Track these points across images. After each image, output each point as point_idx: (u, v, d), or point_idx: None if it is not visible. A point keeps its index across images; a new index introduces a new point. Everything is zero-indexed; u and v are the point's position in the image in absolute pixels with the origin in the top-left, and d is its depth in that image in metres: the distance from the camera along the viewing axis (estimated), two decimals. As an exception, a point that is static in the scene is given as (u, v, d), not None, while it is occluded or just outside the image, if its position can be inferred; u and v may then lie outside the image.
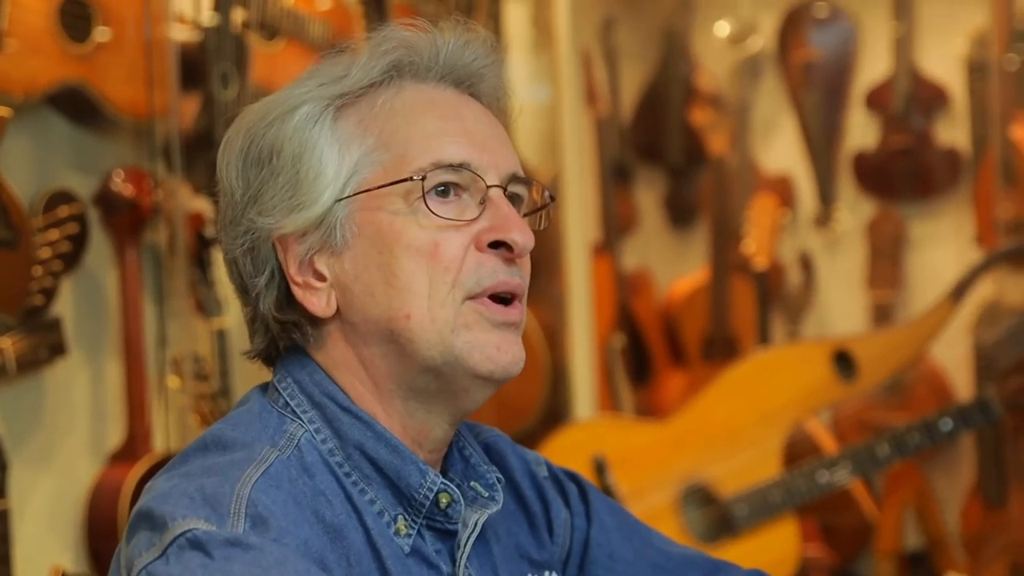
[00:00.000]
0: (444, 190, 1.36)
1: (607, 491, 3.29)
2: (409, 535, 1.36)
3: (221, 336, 2.99)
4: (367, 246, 1.36)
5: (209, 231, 2.99)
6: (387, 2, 3.29)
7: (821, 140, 5.12)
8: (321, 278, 1.37)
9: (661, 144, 5.38)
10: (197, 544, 1.20)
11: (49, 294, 2.76)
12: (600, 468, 3.42)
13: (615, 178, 5.17)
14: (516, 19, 4.60)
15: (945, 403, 4.48)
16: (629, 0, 5.46)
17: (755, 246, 4.58)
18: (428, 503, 1.36)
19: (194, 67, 2.95)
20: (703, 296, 5.04)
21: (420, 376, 1.36)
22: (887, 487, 4.25)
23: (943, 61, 4.89)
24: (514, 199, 1.41)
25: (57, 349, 2.78)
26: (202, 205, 3.05)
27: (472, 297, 1.35)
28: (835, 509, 4.19)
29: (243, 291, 1.42)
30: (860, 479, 3.94)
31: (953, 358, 4.63)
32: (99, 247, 2.96)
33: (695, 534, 3.47)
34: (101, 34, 2.82)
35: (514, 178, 1.41)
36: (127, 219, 2.95)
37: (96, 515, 2.91)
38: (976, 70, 4.69)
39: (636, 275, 5.29)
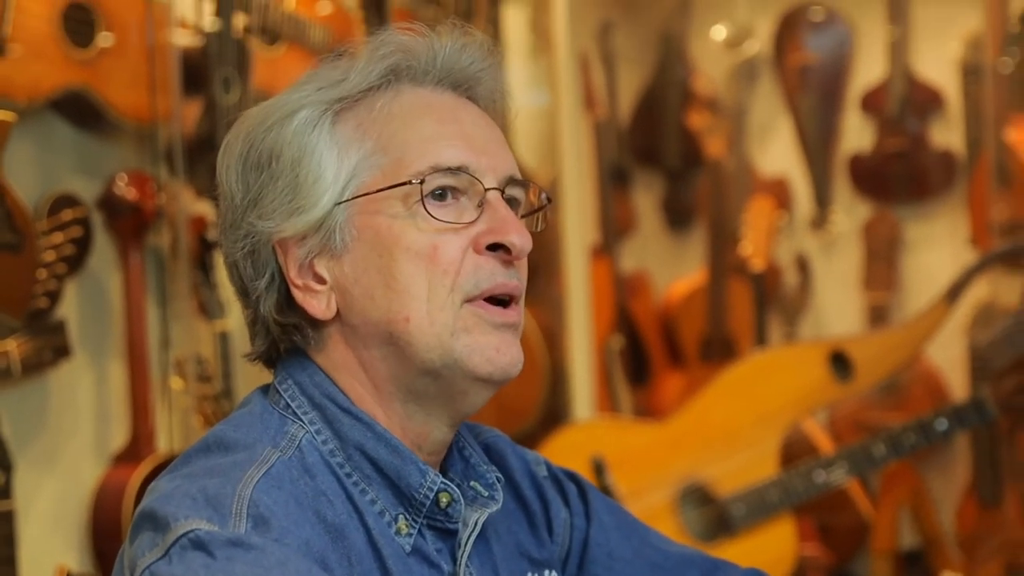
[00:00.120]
0: (442, 193, 1.37)
1: (606, 491, 3.30)
2: (410, 535, 1.36)
3: (223, 338, 2.99)
4: (366, 249, 1.36)
5: (211, 234, 2.99)
6: (387, 7, 3.30)
7: (817, 143, 5.12)
8: (321, 281, 1.38)
9: (659, 147, 5.38)
10: (199, 544, 1.21)
11: (53, 297, 2.76)
12: (599, 468, 3.43)
13: (613, 181, 5.18)
14: (515, 23, 4.60)
15: (940, 403, 4.48)
16: (627, 4, 5.47)
17: (752, 248, 4.58)
18: (428, 502, 1.37)
19: (196, 72, 2.95)
20: (701, 298, 5.03)
21: (419, 379, 1.37)
22: (883, 487, 4.24)
23: (938, 64, 4.88)
24: (512, 202, 1.42)
25: (61, 351, 2.79)
26: (205, 208, 3.05)
27: (470, 300, 1.36)
28: (832, 509, 4.18)
29: (244, 294, 1.43)
30: (856, 479, 3.94)
31: (948, 359, 4.62)
32: (103, 250, 2.97)
33: (693, 534, 3.47)
34: (104, 39, 2.83)
35: (511, 180, 1.41)
36: (130, 222, 2.96)
37: (100, 516, 2.92)
38: (971, 73, 4.69)
39: (634, 277, 5.29)
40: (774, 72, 5.21)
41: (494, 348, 1.37)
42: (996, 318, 4.34)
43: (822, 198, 5.13)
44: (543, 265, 4.20)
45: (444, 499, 1.38)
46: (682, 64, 5.33)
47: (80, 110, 2.86)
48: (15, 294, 2.65)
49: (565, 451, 3.43)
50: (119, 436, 3.02)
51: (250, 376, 1.47)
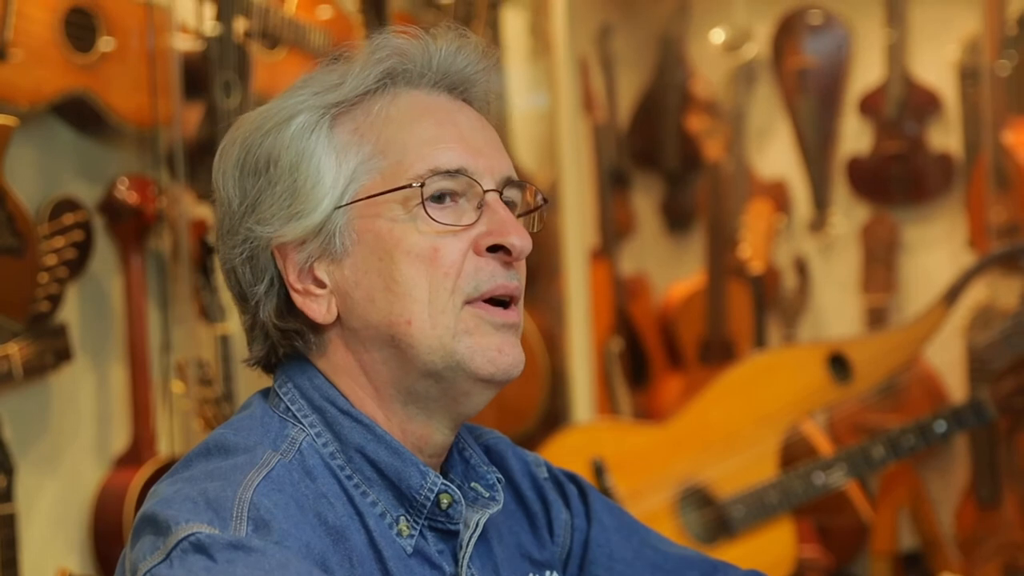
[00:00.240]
0: (441, 196, 1.37)
1: (605, 493, 3.29)
2: (411, 536, 1.37)
3: (224, 341, 2.99)
4: (367, 252, 1.37)
5: (212, 238, 3.00)
6: (387, 11, 3.31)
7: (815, 146, 5.12)
8: (321, 285, 1.38)
9: (658, 150, 5.38)
10: (200, 548, 1.22)
11: (55, 300, 2.77)
12: (599, 470, 3.43)
13: (612, 184, 5.18)
14: (514, 27, 4.61)
15: (939, 405, 4.47)
16: (626, 8, 5.47)
17: (751, 251, 4.58)
18: (429, 504, 1.37)
19: (197, 76, 2.95)
20: (700, 300, 5.04)
21: (420, 381, 1.37)
22: (882, 488, 4.25)
23: (936, 67, 4.88)
24: (509, 203, 1.42)
25: (63, 355, 2.79)
26: (205, 212, 3.05)
27: (470, 301, 1.36)
28: (831, 510, 4.18)
29: (242, 299, 1.43)
30: (855, 480, 3.94)
31: (947, 361, 4.62)
32: (104, 254, 2.98)
33: (693, 535, 3.48)
34: (105, 44, 2.83)
35: (509, 182, 1.42)
36: (131, 226, 2.96)
37: (102, 518, 2.92)
38: (968, 76, 4.69)
39: (634, 280, 5.30)
40: (772, 75, 5.21)
41: (496, 349, 1.37)
42: (994, 320, 4.33)
43: (821, 201, 5.13)
44: (543, 267, 4.21)
45: (445, 500, 1.38)
46: (681, 67, 5.33)
47: (81, 114, 2.86)
48: (17, 298, 2.65)
49: (565, 453, 3.43)
50: (120, 439, 3.02)
51: (251, 379, 1.47)
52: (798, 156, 5.17)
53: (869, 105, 5.01)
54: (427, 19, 3.72)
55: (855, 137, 5.09)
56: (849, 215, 5.12)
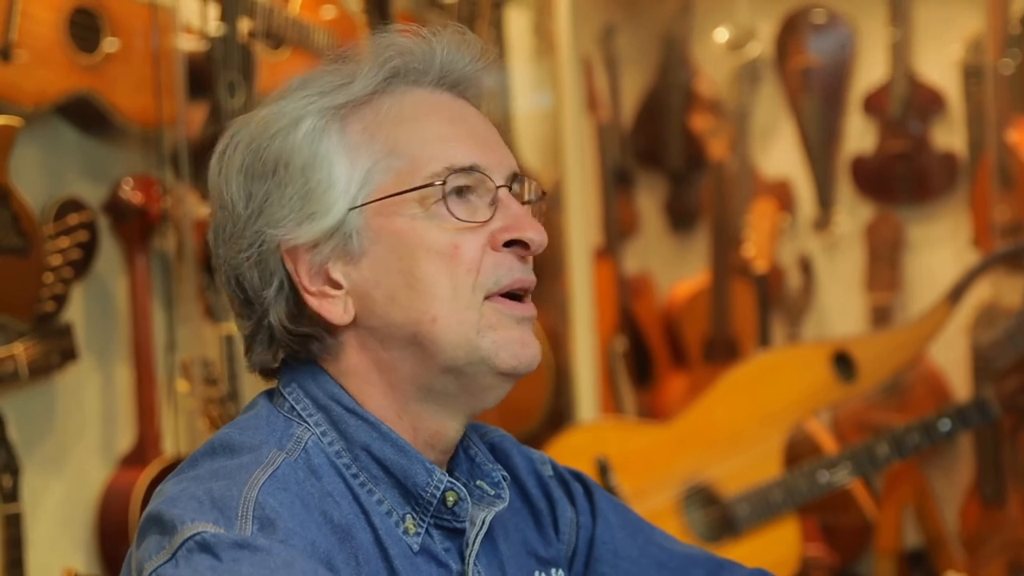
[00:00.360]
0: (458, 193, 1.38)
1: (610, 492, 3.30)
2: (418, 534, 1.37)
3: (230, 341, 3.00)
4: (386, 252, 1.36)
5: (210, 242, 3.00)
6: (390, 10, 3.32)
7: (819, 145, 5.13)
8: (337, 286, 1.37)
9: (662, 149, 5.39)
10: (206, 547, 1.21)
11: (60, 300, 2.77)
12: (603, 469, 3.44)
13: (616, 183, 5.19)
14: (518, 27, 4.61)
15: (943, 404, 4.48)
16: (629, 7, 5.48)
17: (755, 249, 4.59)
18: (435, 501, 1.37)
19: (201, 76, 2.96)
20: (704, 299, 5.04)
21: (440, 377, 1.37)
22: (886, 487, 4.26)
23: (939, 66, 4.89)
24: (516, 198, 1.43)
25: (68, 354, 2.80)
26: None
27: (490, 296, 1.37)
28: (835, 509, 4.18)
29: (246, 304, 1.41)
30: (860, 479, 3.94)
31: (951, 359, 4.62)
32: (109, 254, 2.99)
33: (697, 534, 3.48)
34: (109, 44, 2.84)
35: (515, 176, 1.42)
36: (136, 226, 2.97)
37: (107, 518, 2.93)
38: (972, 75, 4.69)
39: (637, 279, 5.30)
40: (776, 74, 5.22)
41: (519, 342, 1.38)
42: (998, 318, 4.34)
43: (825, 200, 5.14)
44: (547, 267, 4.21)
45: (451, 498, 1.38)
46: (685, 66, 5.34)
47: (86, 115, 2.87)
48: (22, 298, 2.66)
49: (569, 452, 3.43)
50: (126, 439, 3.03)
51: (256, 379, 1.47)
52: (802, 155, 5.18)
53: (873, 104, 5.01)
54: (431, 19, 3.72)
55: (859, 136, 5.09)
56: (853, 214, 5.12)
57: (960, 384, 4.64)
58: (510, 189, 1.41)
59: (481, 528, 1.41)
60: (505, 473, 1.47)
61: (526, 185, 1.45)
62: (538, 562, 1.53)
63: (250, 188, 1.38)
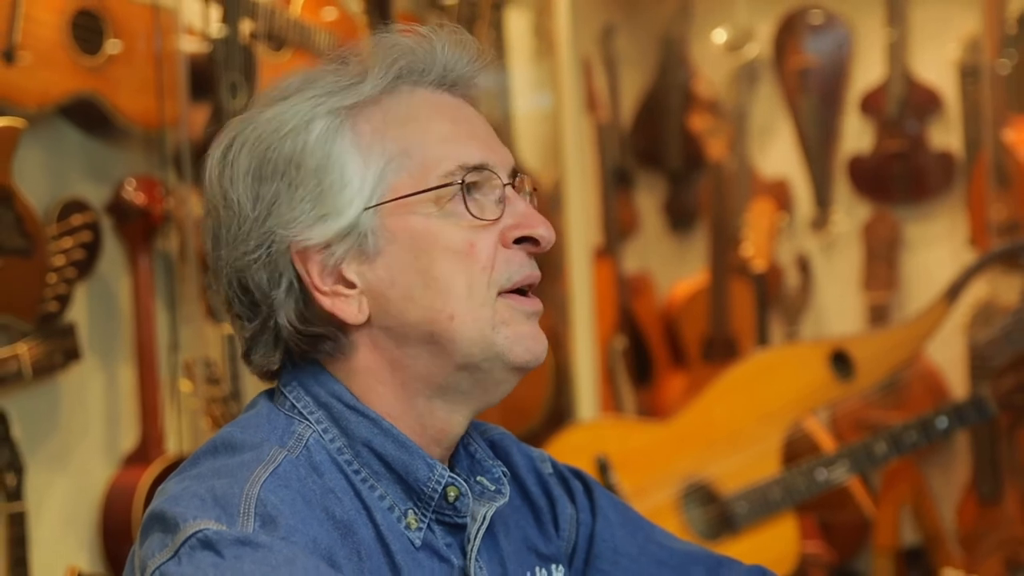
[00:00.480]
0: (471, 191, 1.39)
1: (610, 490, 3.30)
2: (420, 529, 1.37)
3: (232, 340, 3.00)
4: (402, 251, 1.37)
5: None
6: (391, 12, 3.33)
7: (817, 144, 5.13)
8: (350, 286, 1.37)
9: (661, 149, 5.39)
10: (208, 544, 1.22)
11: (64, 301, 2.79)
12: (603, 468, 3.44)
13: (616, 183, 5.19)
14: (517, 28, 4.62)
15: (941, 402, 4.48)
16: (628, 8, 5.48)
17: (753, 249, 4.60)
18: (437, 496, 1.38)
19: (203, 77, 2.97)
20: (703, 298, 5.04)
21: (454, 373, 1.38)
22: (884, 484, 4.26)
23: (936, 66, 4.89)
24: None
25: (72, 354, 2.81)
26: (212, 212, 3.07)
27: (502, 293, 1.38)
28: (833, 507, 4.18)
29: (251, 306, 1.40)
30: (858, 477, 3.95)
31: (948, 357, 4.62)
32: (112, 254, 3.00)
33: (696, 532, 3.48)
34: (112, 46, 2.85)
35: (515, 172, 1.43)
36: (139, 227, 2.98)
37: (111, 516, 2.94)
38: (969, 74, 4.69)
39: (637, 278, 5.31)
40: (774, 74, 5.22)
41: (532, 337, 1.39)
42: (995, 317, 4.34)
43: (822, 199, 5.14)
44: (547, 266, 4.19)
45: (452, 493, 1.39)
46: (683, 67, 5.34)
47: (89, 116, 2.88)
48: (26, 298, 2.67)
49: (569, 451, 3.43)
50: (129, 438, 3.04)
51: (257, 378, 1.48)
52: (800, 155, 5.18)
53: (870, 104, 5.02)
54: (431, 20, 3.73)
55: (856, 136, 5.09)
56: (851, 213, 5.13)
57: (957, 382, 4.64)
58: (512, 186, 1.43)
59: (482, 524, 1.41)
60: (505, 469, 1.48)
61: (524, 180, 1.46)
62: (538, 558, 1.53)
63: (258, 189, 1.37)
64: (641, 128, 5.44)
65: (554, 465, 1.63)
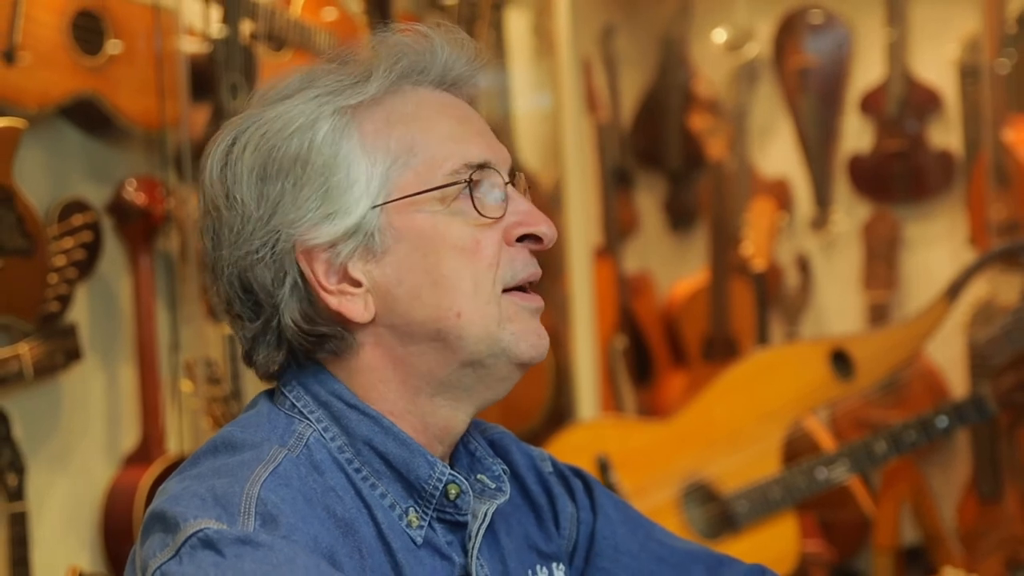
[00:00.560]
0: (474, 189, 1.39)
1: (610, 489, 3.30)
2: (421, 527, 1.37)
3: (232, 340, 3.00)
4: (410, 249, 1.37)
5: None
6: (392, 12, 3.33)
7: (817, 144, 5.14)
8: (356, 284, 1.37)
9: (661, 149, 5.40)
10: (209, 543, 1.22)
11: (64, 301, 2.79)
12: (603, 467, 3.45)
13: (616, 183, 5.20)
14: (517, 28, 4.63)
15: (941, 401, 4.48)
16: (628, 8, 5.49)
17: (753, 248, 4.60)
18: (438, 494, 1.38)
19: (204, 78, 2.97)
20: (703, 298, 5.05)
21: (459, 371, 1.39)
22: (884, 483, 4.25)
23: (936, 65, 4.90)
24: None
25: (73, 354, 2.81)
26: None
27: (506, 290, 1.39)
28: (834, 505, 4.18)
29: (253, 306, 1.40)
30: (858, 476, 3.94)
31: (948, 357, 4.62)
32: (113, 254, 3.00)
33: (697, 531, 3.48)
34: (113, 47, 2.85)
35: (513, 171, 1.44)
36: (140, 227, 2.98)
37: (112, 516, 2.94)
38: (968, 74, 4.70)
39: (637, 278, 5.31)
40: (774, 74, 5.23)
41: (535, 333, 1.40)
42: (995, 316, 4.34)
43: (822, 198, 5.15)
44: (547, 266, 4.19)
45: (453, 491, 1.39)
46: (683, 67, 5.35)
47: (89, 116, 2.88)
48: (27, 298, 2.67)
49: (570, 450, 3.43)
50: (130, 438, 3.04)
51: (257, 377, 1.47)
52: (800, 154, 5.19)
53: (870, 103, 5.02)
54: (431, 20, 3.73)
55: (856, 135, 5.10)
56: (850, 213, 5.13)
57: (957, 381, 4.64)
58: (512, 184, 1.43)
59: (483, 521, 1.42)
60: (505, 467, 1.48)
61: (520, 179, 1.47)
62: (539, 556, 1.54)
63: (263, 188, 1.37)
64: (641, 128, 5.44)
65: (554, 464, 1.64)
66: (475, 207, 1.38)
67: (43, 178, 2.86)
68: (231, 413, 2.91)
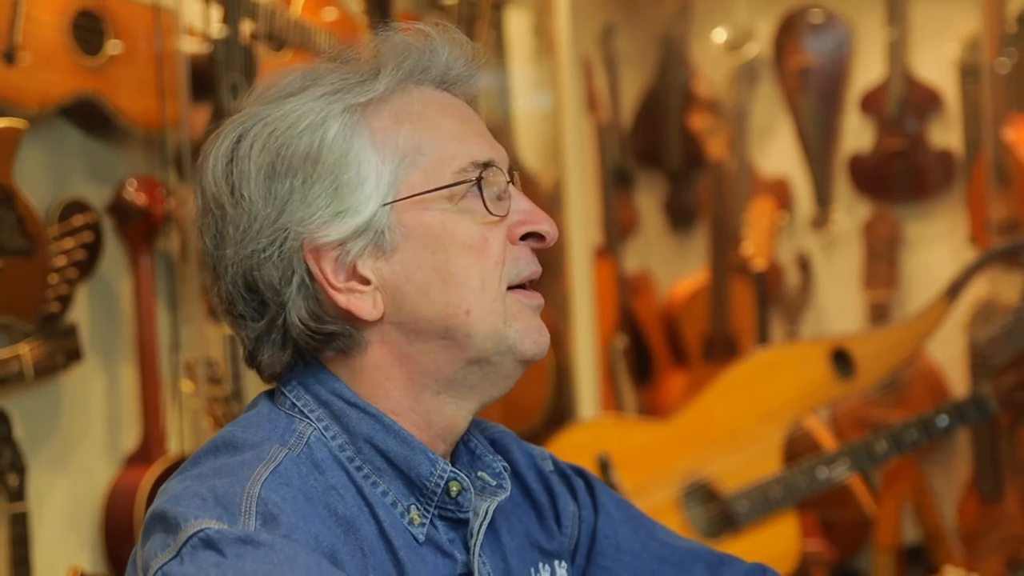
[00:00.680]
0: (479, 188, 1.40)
1: (611, 489, 3.31)
2: (423, 524, 1.38)
3: (233, 340, 3.00)
4: (419, 247, 1.37)
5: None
6: (392, 12, 3.33)
7: (817, 143, 5.14)
8: (365, 282, 1.37)
9: (661, 149, 5.40)
10: (210, 543, 1.22)
11: (65, 301, 2.79)
12: (604, 467, 3.45)
13: (616, 183, 5.20)
14: (518, 28, 4.63)
15: (941, 400, 4.48)
16: (628, 8, 5.49)
17: (754, 248, 4.60)
18: (439, 491, 1.38)
19: (204, 78, 2.96)
20: (703, 297, 5.05)
21: (465, 368, 1.39)
22: (885, 483, 4.25)
23: (936, 65, 4.90)
24: None
25: (73, 355, 2.81)
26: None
27: (511, 287, 1.40)
28: (834, 505, 4.18)
29: (259, 306, 1.39)
30: (859, 475, 3.95)
31: (949, 356, 4.63)
32: (113, 255, 3.00)
33: (698, 530, 3.48)
34: (113, 47, 2.85)
35: (511, 170, 1.45)
36: (140, 227, 2.98)
37: (113, 516, 2.94)
38: (968, 73, 4.70)
39: (637, 277, 5.32)
40: (774, 74, 5.23)
41: (538, 330, 1.42)
42: (996, 315, 4.35)
43: (823, 198, 5.15)
44: (547, 266, 4.19)
45: (454, 488, 1.39)
46: (683, 67, 5.35)
47: (90, 117, 2.88)
48: (27, 299, 2.67)
49: (570, 450, 3.43)
50: (130, 438, 3.04)
51: (259, 378, 1.47)
52: (800, 154, 5.19)
53: (870, 103, 5.02)
54: (431, 20, 3.73)
55: (856, 135, 5.10)
56: (851, 212, 5.14)
57: (958, 381, 4.65)
58: (511, 182, 1.44)
59: (484, 518, 1.42)
60: (505, 464, 1.49)
61: (516, 177, 1.47)
62: (541, 554, 1.54)
63: (271, 186, 1.37)
64: (641, 128, 5.45)
65: (555, 462, 1.64)
66: (485, 205, 1.39)
67: (43, 178, 2.86)
68: (232, 413, 2.91)
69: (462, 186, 1.39)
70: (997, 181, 4.40)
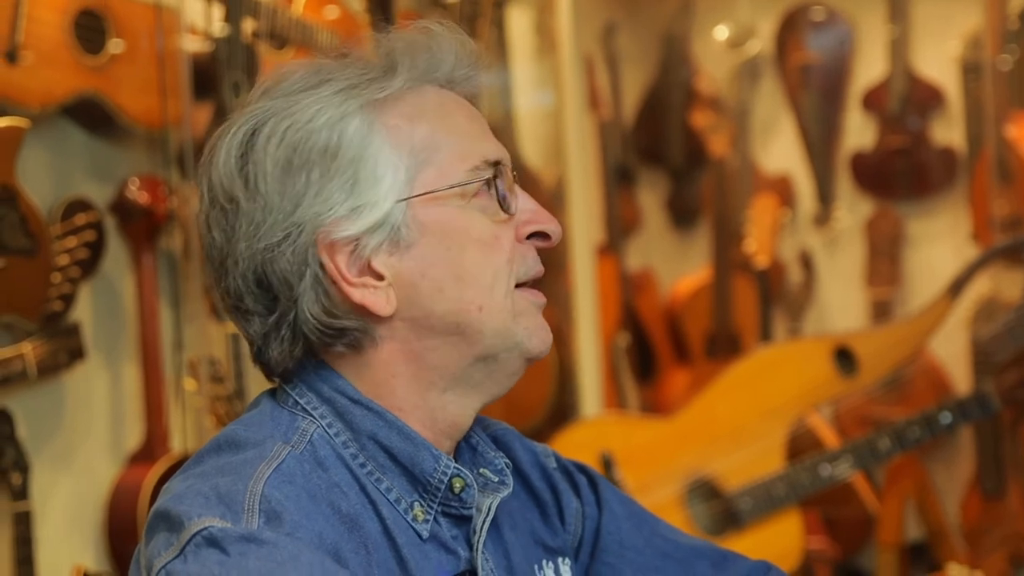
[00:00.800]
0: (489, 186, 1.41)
1: (614, 486, 3.31)
2: (427, 521, 1.38)
3: (236, 339, 3.00)
4: (434, 243, 1.37)
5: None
6: (393, 11, 3.33)
7: (819, 141, 5.14)
8: (379, 277, 1.37)
9: (663, 146, 5.40)
10: (213, 541, 1.22)
11: (68, 300, 2.79)
12: (607, 464, 3.45)
13: (618, 180, 5.20)
14: (519, 26, 4.63)
15: (944, 397, 4.48)
16: (630, 6, 5.49)
17: (756, 245, 4.61)
18: (443, 488, 1.38)
19: (206, 77, 2.96)
20: (706, 295, 5.06)
21: (473, 364, 1.39)
22: (888, 480, 4.25)
23: (938, 62, 4.90)
24: None
25: (76, 353, 2.82)
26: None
27: (518, 286, 1.40)
28: (837, 502, 4.18)
29: (269, 301, 1.38)
30: (861, 472, 3.95)
31: (951, 353, 4.63)
32: (116, 253, 3.00)
33: (701, 527, 3.49)
34: (115, 46, 2.86)
35: (512, 168, 1.45)
36: (143, 226, 2.99)
37: (116, 515, 2.95)
38: (971, 71, 4.70)
39: (640, 275, 5.31)
40: (776, 71, 5.23)
41: (543, 328, 1.43)
42: (998, 312, 4.35)
43: (825, 195, 5.15)
44: (550, 264, 4.18)
45: (458, 484, 1.39)
46: (685, 64, 5.35)
47: (92, 116, 2.89)
48: (30, 298, 2.67)
49: (573, 447, 3.44)
50: (134, 436, 3.05)
51: (262, 376, 1.47)
52: (802, 151, 5.19)
53: (872, 100, 5.02)
54: (433, 18, 3.73)
55: (859, 132, 5.10)
56: (853, 209, 5.14)
57: (960, 378, 4.65)
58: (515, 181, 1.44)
59: (487, 515, 1.42)
60: (507, 460, 1.49)
61: (515, 177, 1.48)
62: (545, 551, 1.54)
63: (287, 180, 1.36)
64: (643, 125, 5.45)
65: (558, 459, 1.64)
66: (499, 203, 1.40)
67: (46, 177, 2.86)
68: (235, 411, 2.92)
69: (475, 184, 1.39)
70: (999, 178, 4.40)
